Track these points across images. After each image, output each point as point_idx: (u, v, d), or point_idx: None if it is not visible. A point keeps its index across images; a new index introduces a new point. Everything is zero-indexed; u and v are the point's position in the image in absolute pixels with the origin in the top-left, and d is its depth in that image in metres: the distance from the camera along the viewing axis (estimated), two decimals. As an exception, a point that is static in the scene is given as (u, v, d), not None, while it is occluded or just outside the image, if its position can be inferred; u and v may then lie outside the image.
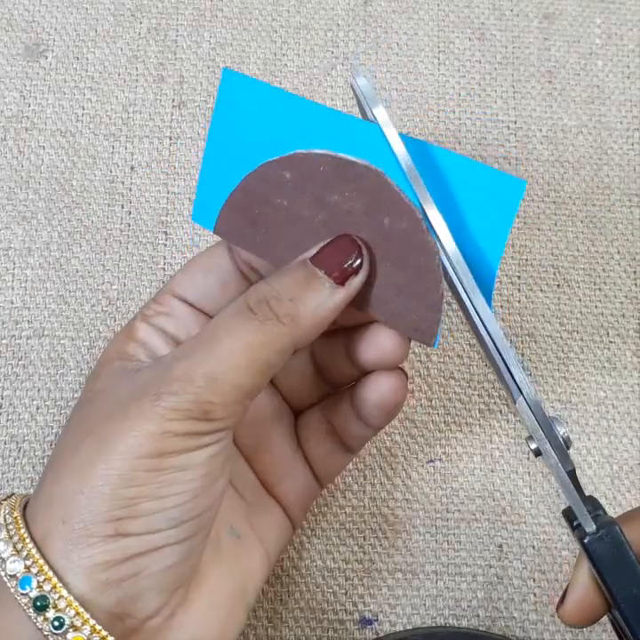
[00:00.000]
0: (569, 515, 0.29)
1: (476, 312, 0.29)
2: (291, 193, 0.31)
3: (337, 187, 0.30)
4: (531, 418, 0.28)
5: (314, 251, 0.29)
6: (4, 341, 0.39)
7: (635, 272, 0.41)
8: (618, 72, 0.44)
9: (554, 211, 0.42)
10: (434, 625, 0.36)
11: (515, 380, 0.28)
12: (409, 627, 0.36)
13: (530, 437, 0.29)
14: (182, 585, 0.28)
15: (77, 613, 0.26)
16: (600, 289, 0.41)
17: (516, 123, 0.43)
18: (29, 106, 0.42)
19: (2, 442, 0.38)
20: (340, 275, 0.29)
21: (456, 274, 0.29)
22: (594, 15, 0.44)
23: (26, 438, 0.38)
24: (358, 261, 0.29)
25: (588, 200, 0.42)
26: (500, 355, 0.29)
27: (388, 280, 0.30)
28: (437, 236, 0.29)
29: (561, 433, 0.29)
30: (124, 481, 0.26)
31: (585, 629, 0.36)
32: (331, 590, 0.37)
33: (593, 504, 0.29)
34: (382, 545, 0.37)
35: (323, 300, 0.28)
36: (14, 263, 0.40)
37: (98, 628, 0.26)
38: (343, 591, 0.37)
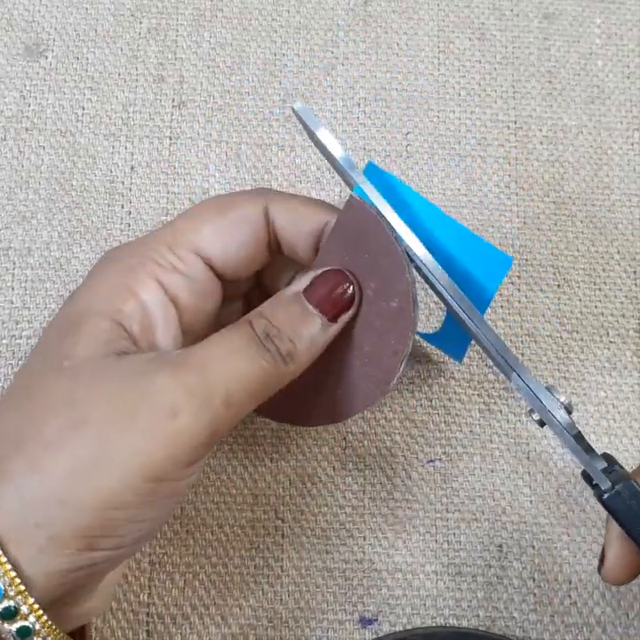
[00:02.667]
0: (587, 476, 0.29)
1: (457, 304, 0.29)
2: (385, 294, 0.30)
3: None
4: (527, 391, 0.29)
5: (306, 282, 0.29)
6: (4, 341, 0.39)
7: (635, 272, 0.41)
8: (618, 72, 0.44)
9: (554, 211, 0.42)
10: (434, 625, 0.36)
11: (504, 357, 0.29)
12: (409, 627, 0.36)
13: (531, 410, 0.29)
14: None
15: (38, 618, 0.25)
16: (600, 289, 0.41)
17: (516, 123, 0.43)
18: (29, 106, 0.42)
19: (2, 442, 0.38)
20: (335, 314, 0.29)
21: (437, 279, 0.29)
22: (594, 15, 0.44)
23: (26, 438, 0.38)
24: (350, 292, 0.29)
25: (588, 200, 0.42)
26: (487, 333, 0.29)
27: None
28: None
29: (561, 400, 0.29)
30: (113, 503, 0.25)
31: (585, 630, 0.36)
32: (331, 590, 0.37)
33: (609, 460, 0.29)
34: (382, 545, 0.37)
35: (316, 336, 0.29)
36: (14, 263, 0.40)
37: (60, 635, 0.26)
38: (343, 591, 0.37)
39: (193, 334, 0.31)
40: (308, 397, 0.32)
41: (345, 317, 0.29)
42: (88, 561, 0.26)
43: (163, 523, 0.28)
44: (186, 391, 0.26)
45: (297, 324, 0.28)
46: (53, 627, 0.26)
